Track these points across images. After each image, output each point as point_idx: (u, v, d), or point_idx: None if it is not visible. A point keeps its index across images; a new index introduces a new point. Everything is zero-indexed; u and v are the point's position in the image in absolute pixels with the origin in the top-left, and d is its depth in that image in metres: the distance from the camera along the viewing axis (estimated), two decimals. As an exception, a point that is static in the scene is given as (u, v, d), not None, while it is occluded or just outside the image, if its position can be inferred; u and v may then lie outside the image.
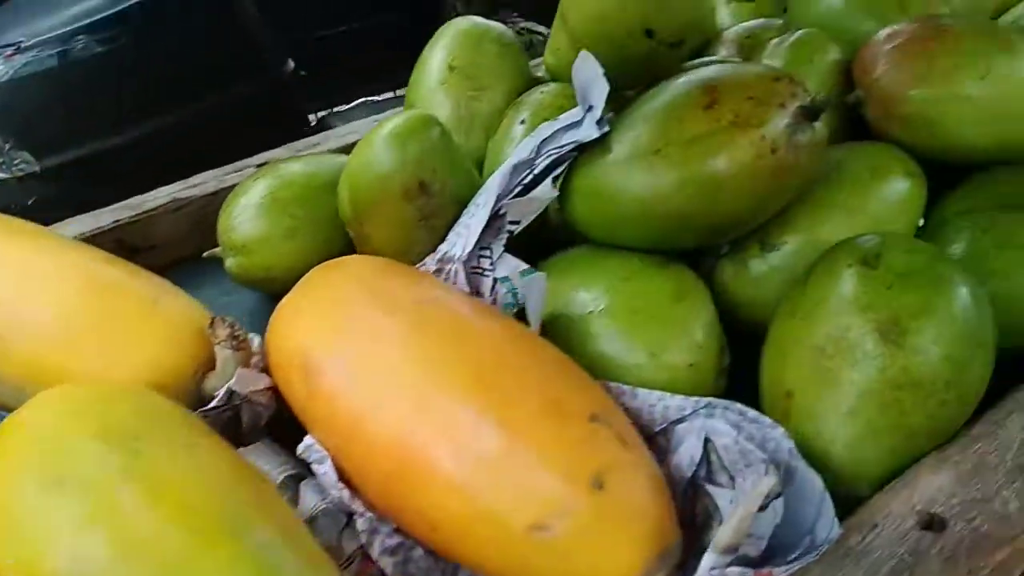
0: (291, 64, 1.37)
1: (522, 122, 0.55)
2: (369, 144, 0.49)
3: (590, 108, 0.43)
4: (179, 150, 1.07)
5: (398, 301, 0.39)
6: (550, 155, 0.43)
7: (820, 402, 0.36)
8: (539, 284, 0.40)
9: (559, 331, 0.42)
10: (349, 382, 0.36)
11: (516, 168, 0.45)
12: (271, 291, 0.55)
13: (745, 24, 0.67)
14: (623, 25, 0.54)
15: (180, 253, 0.63)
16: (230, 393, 0.42)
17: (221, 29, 1.23)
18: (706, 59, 0.61)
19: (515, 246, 0.46)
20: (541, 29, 4.29)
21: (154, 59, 1.17)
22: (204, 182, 0.65)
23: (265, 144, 0.74)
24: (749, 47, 0.65)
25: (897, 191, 0.44)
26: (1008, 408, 0.37)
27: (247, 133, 0.96)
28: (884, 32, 0.47)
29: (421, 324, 0.37)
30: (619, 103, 0.64)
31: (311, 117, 1.96)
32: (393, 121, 0.49)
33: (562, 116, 0.45)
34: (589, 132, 0.42)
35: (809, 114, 0.40)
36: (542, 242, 0.49)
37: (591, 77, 0.43)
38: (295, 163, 0.58)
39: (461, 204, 0.49)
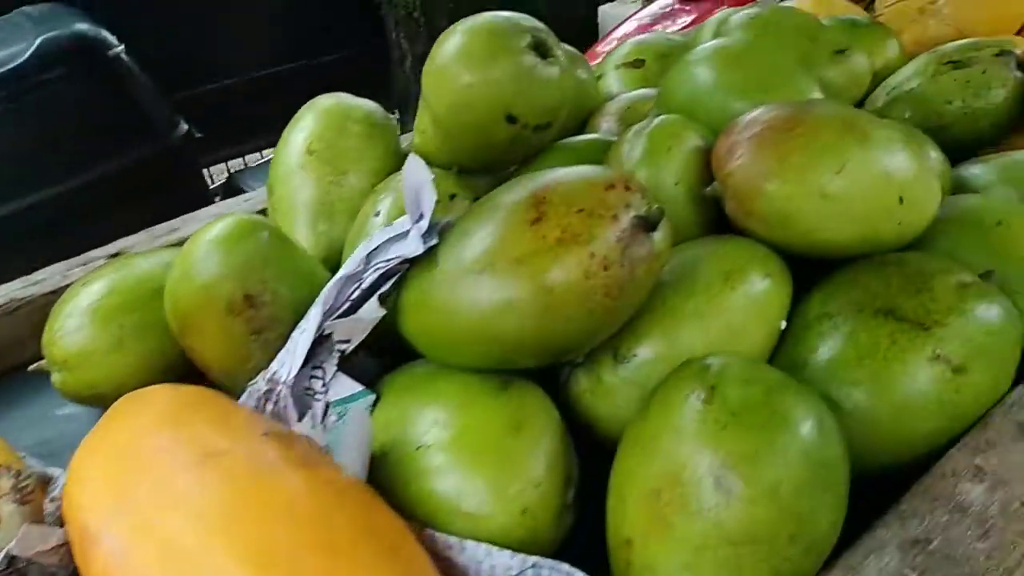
0: (183, 127, 1.30)
1: (377, 214, 0.51)
2: (190, 251, 0.44)
3: (420, 217, 0.39)
4: (66, 223, 1.01)
5: (192, 452, 0.34)
6: (378, 268, 0.39)
7: (658, 554, 0.32)
8: (357, 419, 0.36)
9: (390, 466, 0.38)
10: (121, 559, 0.31)
11: (344, 282, 0.40)
12: (105, 407, 0.49)
13: (627, 95, 0.65)
14: (484, 112, 0.51)
15: (17, 360, 0.57)
16: (10, 557, 0.36)
17: (105, 94, 1.17)
18: (577, 139, 0.58)
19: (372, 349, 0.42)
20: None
21: (35, 127, 1.10)
22: (46, 278, 0.60)
23: (159, 214, 0.69)
24: (628, 120, 0.62)
25: (753, 295, 0.41)
26: (866, 548, 0.33)
27: (137, 203, 0.90)
28: (741, 121, 0.44)
29: (210, 486, 0.32)
30: (498, 181, 0.61)
31: (236, 163, 1.90)
32: (217, 225, 0.44)
33: (396, 222, 0.41)
34: (415, 247, 0.38)
35: (646, 225, 0.37)
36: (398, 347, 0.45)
37: (420, 184, 0.39)
38: (135, 261, 0.53)
39: (300, 313, 0.44)
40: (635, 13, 2.44)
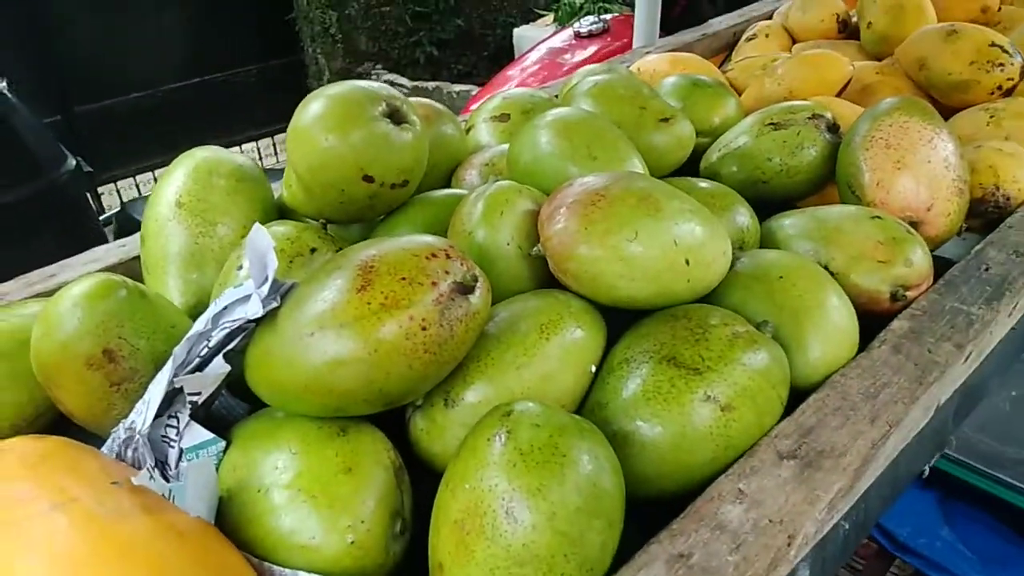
0: (71, 162, 1.28)
1: (240, 267, 0.55)
2: (52, 308, 0.47)
3: (264, 280, 0.43)
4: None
5: (45, 500, 0.38)
6: (224, 328, 0.43)
7: (462, 578, 0.38)
8: (200, 467, 0.40)
9: (237, 507, 0.42)
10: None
11: (195, 339, 0.44)
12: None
13: (491, 149, 0.72)
14: (341, 172, 0.56)
15: None
16: None
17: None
18: (436, 194, 0.64)
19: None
20: (404, 81, 4.33)
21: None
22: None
23: (45, 252, 0.70)
24: (488, 173, 0.68)
25: (566, 345, 0.47)
26: (639, 563, 0.40)
27: (19, 242, 0.89)
28: (560, 191, 0.51)
29: (61, 532, 0.36)
30: (367, 230, 0.65)
31: (146, 177, 1.85)
32: (77, 285, 0.48)
33: (246, 284, 0.45)
34: (256, 310, 0.42)
35: (463, 288, 0.43)
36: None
37: (262, 251, 0.43)
38: (8, 311, 0.55)
39: (158, 365, 0.48)
40: (545, 40, 2.57)
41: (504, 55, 4.03)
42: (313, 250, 0.56)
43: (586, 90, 0.68)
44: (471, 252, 0.52)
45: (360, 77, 4.33)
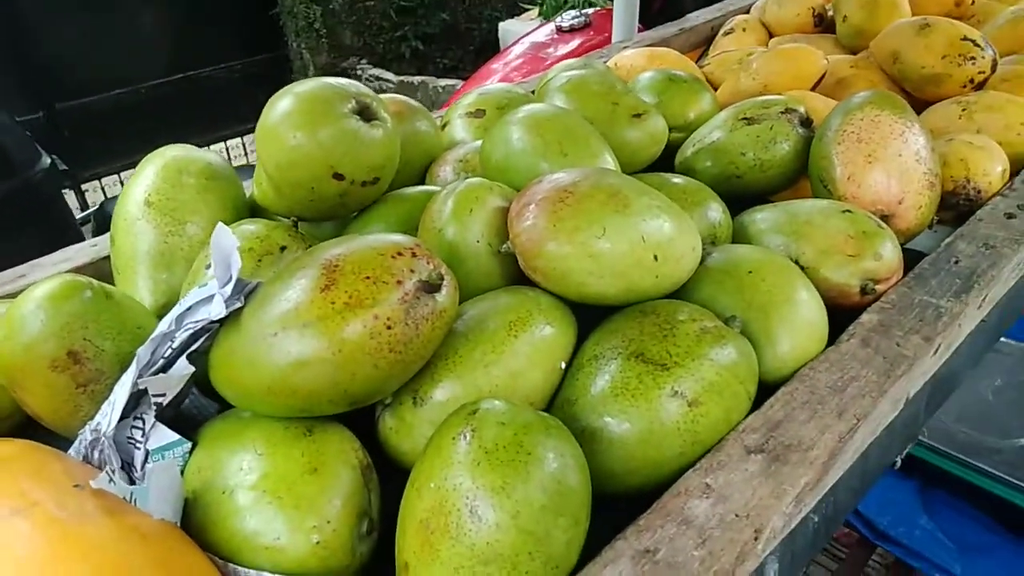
0: (46, 160, 1.27)
1: (209, 266, 0.54)
2: (15, 310, 0.47)
3: (228, 280, 0.43)
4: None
5: (6, 504, 0.37)
6: (188, 328, 0.43)
7: (427, 577, 0.38)
8: (163, 469, 0.40)
9: (202, 509, 0.42)
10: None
11: (159, 340, 0.44)
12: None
13: (465, 146, 0.71)
14: (311, 169, 0.55)
15: None
16: None
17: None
18: (408, 190, 0.63)
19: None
20: (389, 76, 4.30)
21: None
22: None
23: (26, 254, 0.70)
24: (462, 170, 0.68)
25: (534, 342, 0.47)
26: (605, 559, 0.40)
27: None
28: (529, 188, 0.51)
29: (23, 536, 0.36)
30: (340, 228, 0.65)
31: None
32: (41, 286, 0.47)
33: (210, 283, 0.45)
34: (219, 310, 0.42)
35: (429, 287, 0.42)
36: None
37: (226, 251, 0.43)
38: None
39: (124, 365, 0.47)
40: (528, 34, 2.56)
41: (489, 49, 4.02)
42: (283, 248, 0.56)
43: (559, 86, 0.68)
44: (441, 250, 0.52)
45: (345, 72, 4.31)
